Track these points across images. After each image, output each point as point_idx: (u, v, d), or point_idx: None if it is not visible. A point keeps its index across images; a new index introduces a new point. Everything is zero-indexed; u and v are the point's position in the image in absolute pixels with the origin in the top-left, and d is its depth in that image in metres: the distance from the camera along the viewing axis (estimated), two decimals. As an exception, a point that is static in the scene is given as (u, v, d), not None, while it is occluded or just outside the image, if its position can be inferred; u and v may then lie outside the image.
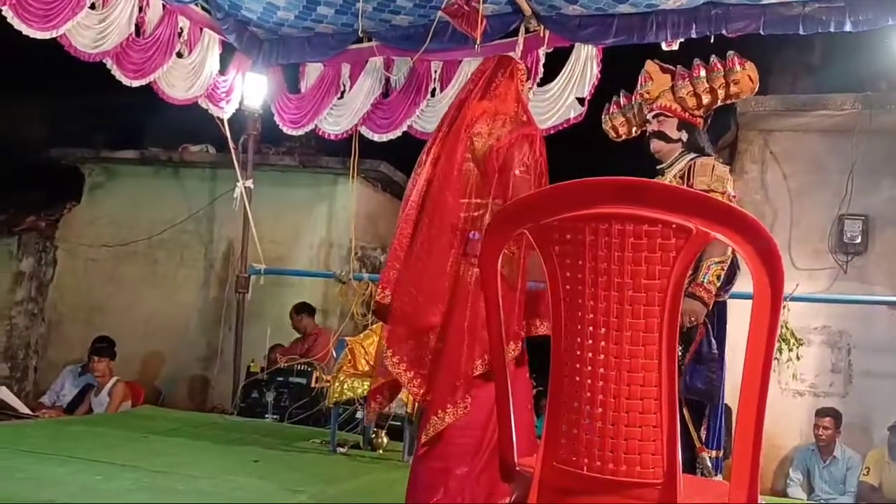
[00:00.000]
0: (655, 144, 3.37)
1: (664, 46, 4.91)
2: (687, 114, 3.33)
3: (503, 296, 2.43)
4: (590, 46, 5.16)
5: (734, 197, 3.22)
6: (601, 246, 1.50)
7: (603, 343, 1.51)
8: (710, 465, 3.11)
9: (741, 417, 1.52)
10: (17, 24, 4.32)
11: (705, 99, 3.32)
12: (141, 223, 8.12)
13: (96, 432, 4.66)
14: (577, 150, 6.06)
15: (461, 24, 5.09)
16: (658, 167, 3.39)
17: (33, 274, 8.40)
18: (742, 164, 6.53)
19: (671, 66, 3.46)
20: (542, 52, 5.29)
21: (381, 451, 4.49)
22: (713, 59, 3.36)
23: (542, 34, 5.27)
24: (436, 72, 5.68)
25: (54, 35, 4.56)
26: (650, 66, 3.52)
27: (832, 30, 4.67)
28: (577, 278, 1.54)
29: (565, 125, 5.24)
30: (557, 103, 5.30)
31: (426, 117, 5.67)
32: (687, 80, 3.35)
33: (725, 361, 3.21)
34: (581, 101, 5.20)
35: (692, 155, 3.30)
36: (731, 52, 3.38)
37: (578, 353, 1.54)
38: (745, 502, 1.53)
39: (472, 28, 5.05)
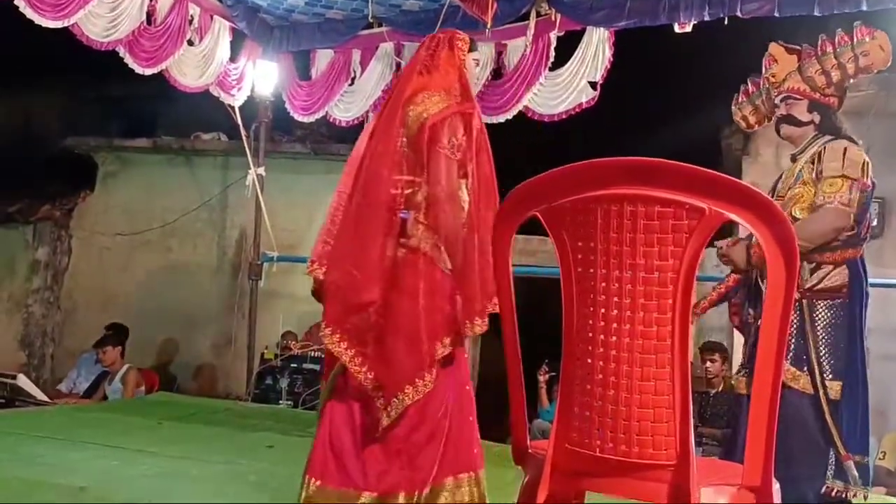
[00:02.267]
0: (785, 130, 3.18)
1: (677, 28, 4.86)
2: (817, 94, 3.10)
3: (432, 281, 2.41)
4: (602, 29, 5.12)
5: (868, 186, 2.98)
6: (613, 227, 1.49)
7: (615, 325, 1.50)
8: (856, 473, 2.84)
9: (755, 401, 1.52)
10: (30, 14, 4.34)
11: (835, 76, 3.08)
12: (154, 211, 8.17)
13: (112, 419, 4.71)
14: (591, 134, 6.03)
15: (471, 8, 5.05)
16: (791, 154, 3.21)
17: (49, 263, 8.47)
18: (756, 147, 6.48)
19: (797, 46, 3.24)
20: (553, 35, 5.24)
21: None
22: (839, 32, 3.13)
23: (553, 17, 5.22)
24: (447, 57, 5.65)
25: (66, 24, 4.57)
26: (774, 47, 3.30)
27: (848, 10, 4.60)
28: (589, 260, 1.53)
29: (577, 110, 5.21)
30: (569, 88, 5.26)
31: (437, 103, 5.64)
32: (814, 57, 3.12)
33: (866, 352, 3.02)
34: (593, 85, 5.16)
35: (826, 138, 3.07)
36: (857, 23, 3.14)
37: (590, 335, 1.54)
38: (758, 485, 1.52)
39: (483, 12, 5.01)
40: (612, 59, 5.11)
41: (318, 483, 2.42)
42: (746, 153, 6.56)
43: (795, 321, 2.92)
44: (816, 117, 3.10)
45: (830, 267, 2.95)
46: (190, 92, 5.68)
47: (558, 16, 5.21)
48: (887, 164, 6.07)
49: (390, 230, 2.45)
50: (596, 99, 5.15)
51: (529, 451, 1.73)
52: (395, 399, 2.38)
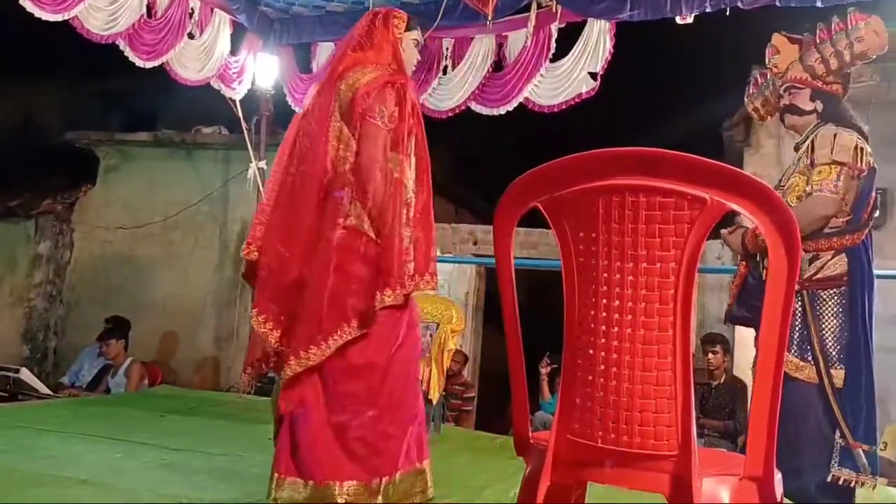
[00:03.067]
0: (789, 119, 3.18)
1: (678, 20, 4.84)
2: (819, 82, 3.10)
3: (348, 253, 2.34)
4: (603, 21, 5.10)
5: (863, 170, 2.96)
6: (614, 218, 1.49)
7: (617, 315, 1.50)
8: (865, 461, 2.80)
9: (757, 390, 1.52)
10: (30, 7, 4.33)
11: (833, 63, 3.07)
12: (155, 205, 8.17)
13: (115, 412, 4.72)
14: (592, 124, 6.03)
15: (472, 0, 5.04)
16: (795, 143, 3.21)
17: (51, 256, 8.49)
18: (757, 139, 6.47)
19: (799, 36, 3.23)
20: (554, 27, 5.23)
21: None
22: (834, 20, 3.12)
23: (554, 9, 5.21)
24: (447, 49, 5.64)
25: (66, 17, 4.57)
26: (776, 38, 3.28)
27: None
28: (591, 251, 1.53)
29: (577, 100, 5.20)
30: (570, 79, 5.24)
31: (438, 95, 5.64)
32: (813, 46, 3.12)
33: (872, 339, 2.94)
34: (594, 75, 5.15)
35: (822, 125, 3.07)
36: (851, 9, 3.13)
37: (592, 325, 1.54)
38: (760, 475, 1.52)
39: (484, 4, 5.00)
40: (612, 50, 5.09)
41: (282, 477, 2.39)
42: (748, 144, 6.55)
43: (798, 312, 2.92)
44: (819, 105, 3.10)
45: (829, 255, 2.94)
46: (190, 85, 5.68)
47: (559, 8, 5.20)
48: (889, 153, 6.06)
49: (324, 209, 2.41)
50: (596, 90, 5.14)
51: (531, 442, 1.73)
52: (290, 362, 2.35)
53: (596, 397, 1.53)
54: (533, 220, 1.72)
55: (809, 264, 2.94)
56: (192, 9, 5.43)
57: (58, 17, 4.53)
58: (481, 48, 5.49)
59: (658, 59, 7.61)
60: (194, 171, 8.28)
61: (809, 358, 2.89)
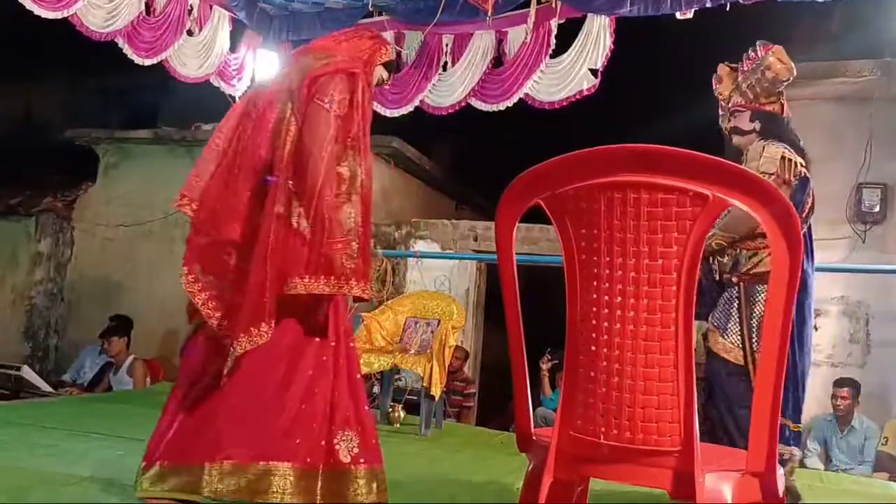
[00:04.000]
0: (735, 140, 3.41)
1: (678, 16, 4.83)
2: (755, 104, 3.36)
3: (281, 238, 2.24)
4: (603, 17, 5.09)
5: (791, 179, 3.17)
6: (616, 215, 1.49)
7: (619, 312, 1.51)
8: (786, 434, 3.06)
9: (759, 386, 1.52)
10: (29, 5, 4.33)
11: (759, 88, 3.35)
12: (156, 202, 8.16)
13: (117, 409, 4.73)
14: (592, 120, 6.02)
15: (472, -4, 5.04)
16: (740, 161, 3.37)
17: (51, 254, 8.49)
18: (758, 135, 6.45)
19: (736, 65, 3.49)
20: (554, 23, 5.22)
21: (397, 426, 4.52)
22: (749, 52, 3.41)
23: (553, 5, 5.20)
24: (447, 45, 5.63)
25: (65, 14, 4.57)
26: (721, 68, 3.57)
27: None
28: (593, 248, 1.53)
29: (578, 97, 5.19)
30: (569, 75, 5.24)
31: (438, 92, 5.63)
32: (741, 73, 3.42)
33: (809, 327, 3.22)
34: (594, 72, 5.14)
35: (760, 142, 3.31)
36: (758, 42, 3.40)
37: (594, 322, 1.54)
38: (763, 471, 1.53)
39: (483, 0, 4.99)
40: (612, 46, 5.09)
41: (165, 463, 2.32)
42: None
43: (735, 301, 3.22)
44: (758, 125, 3.35)
45: (766, 253, 3.13)
46: (190, 82, 5.67)
47: (559, 3, 5.19)
48: (890, 149, 6.07)
49: (260, 192, 2.35)
50: (596, 86, 5.13)
51: (534, 438, 1.74)
52: (235, 344, 2.26)
53: (598, 393, 1.54)
54: (533, 215, 1.72)
55: (748, 260, 3.19)
56: (190, 6, 5.42)
57: (57, 15, 4.53)
58: (481, 44, 5.48)
59: (658, 55, 7.60)
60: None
61: (739, 342, 3.17)
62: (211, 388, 2.31)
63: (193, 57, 5.55)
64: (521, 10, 5.29)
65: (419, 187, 9.31)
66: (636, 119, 7.99)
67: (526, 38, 5.27)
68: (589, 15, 5.15)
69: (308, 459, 2.29)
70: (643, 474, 1.54)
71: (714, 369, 3.22)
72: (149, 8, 5.14)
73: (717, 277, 3.30)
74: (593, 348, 1.54)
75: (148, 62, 5.25)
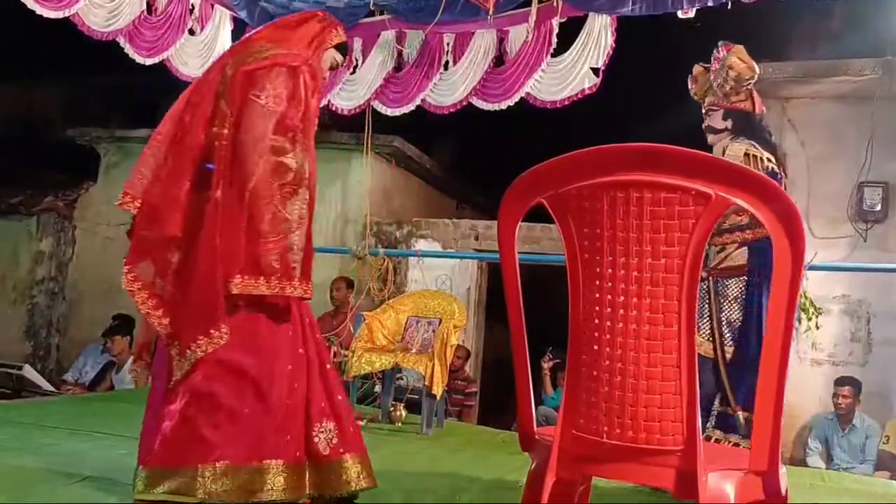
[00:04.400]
0: (709, 138, 3.49)
1: (680, 14, 4.82)
2: (727, 103, 3.44)
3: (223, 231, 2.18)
4: (604, 15, 5.09)
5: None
6: (619, 214, 1.49)
7: (622, 311, 1.51)
8: (743, 422, 3.18)
9: (762, 384, 1.52)
10: (31, 5, 4.33)
11: (727, 87, 3.44)
12: (157, 202, 8.16)
13: (119, 408, 4.72)
14: (594, 121, 6.02)
15: (473, -4, 5.03)
16: None
17: (53, 253, 8.50)
18: (759, 134, 6.45)
19: (709, 65, 3.58)
20: (555, 22, 5.22)
21: (399, 425, 4.52)
22: (714, 51, 3.52)
23: (555, 4, 5.19)
24: (448, 44, 5.63)
25: (67, 14, 4.57)
26: (695, 68, 3.66)
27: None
28: (595, 247, 1.53)
29: (580, 96, 5.19)
30: (571, 74, 5.23)
31: (439, 91, 5.63)
32: (711, 72, 3.52)
33: (763, 319, 3.24)
34: (596, 71, 5.14)
35: (731, 140, 3.41)
36: (720, 42, 3.51)
37: (597, 321, 1.54)
38: (765, 470, 1.53)
39: (485, -1, 4.99)
40: (614, 45, 5.08)
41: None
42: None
43: (704, 295, 3.31)
44: (730, 123, 3.44)
45: (733, 248, 3.27)
46: (192, 81, 5.67)
47: (560, 2, 5.18)
48: (891, 148, 6.07)
49: (197, 180, 2.30)
50: (598, 85, 5.13)
51: (536, 437, 1.74)
52: (188, 350, 2.23)
53: (601, 392, 1.54)
54: (534, 215, 1.72)
55: (715, 255, 3.31)
56: (192, 5, 5.42)
57: (58, 14, 4.53)
58: (482, 43, 5.48)
59: (660, 54, 7.59)
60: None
61: (709, 335, 3.28)
62: (190, 388, 2.28)
63: (195, 56, 5.55)
64: (522, 9, 5.28)
65: (420, 186, 9.31)
66: (638, 118, 7.98)
67: (527, 38, 5.27)
68: (590, 14, 5.14)
69: (297, 454, 2.29)
70: (646, 473, 1.54)
71: None
72: (150, 7, 5.14)
73: None
74: (596, 347, 1.54)
75: (149, 61, 5.26)
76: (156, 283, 2.30)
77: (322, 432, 2.33)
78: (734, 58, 3.41)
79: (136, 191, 2.38)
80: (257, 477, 2.23)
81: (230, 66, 2.39)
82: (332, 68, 2.63)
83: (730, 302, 3.29)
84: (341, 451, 2.34)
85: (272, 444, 2.26)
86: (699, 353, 3.06)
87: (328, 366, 2.46)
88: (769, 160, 3.30)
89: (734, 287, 3.29)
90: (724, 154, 3.30)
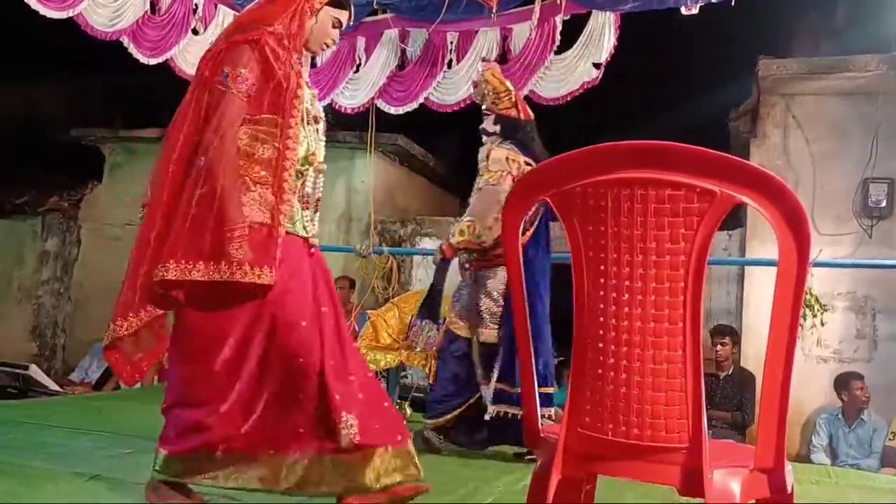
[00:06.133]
0: (483, 139, 3.85)
1: (683, 11, 4.82)
2: (496, 109, 3.82)
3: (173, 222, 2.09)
4: (607, 13, 5.08)
5: (513, 177, 3.61)
6: (624, 211, 1.49)
7: (626, 309, 1.50)
8: (489, 395, 3.60)
9: (767, 382, 1.51)
10: (34, 5, 4.34)
11: (488, 99, 3.84)
12: (162, 201, 8.17)
13: (124, 407, 4.74)
14: (598, 118, 6.01)
15: (477, -6, 5.04)
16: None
17: (58, 254, 8.52)
18: (764, 129, 6.44)
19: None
20: (558, 19, 5.22)
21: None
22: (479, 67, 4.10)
23: (558, 1, 5.19)
24: (452, 43, 5.63)
25: (70, 14, 4.58)
26: (476, 75, 4.13)
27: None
28: (600, 245, 1.53)
29: (581, 90, 5.19)
30: (574, 71, 5.24)
31: (443, 89, 5.64)
32: (475, 85, 3.99)
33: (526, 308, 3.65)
34: (597, 65, 5.13)
35: (498, 143, 3.77)
36: (481, 59, 4.24)
37: (601, 319, 1.54)
38: (771, 467, 1.53)
39: (488, -3, 4.99)
40: (617, 42, 5.08)
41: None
42: (754, 135, 6.53)
43: (468, 282, 3.78)
44: (499, 128, 3.80)
45: (491, 244, 3.64)
46: (195, 81, 5.68)
47: (564, -1, 5.18)
48: (895, 144, 6.05)
49: (187, 178, 2.18)
50: (601, 82, 5.13)
51: (541, 435, 1.74)
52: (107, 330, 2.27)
53: (606, 390, 1.54)
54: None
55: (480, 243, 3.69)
56: (195, 5, 5.43)
57: (62, 15, 4.54)
58: (486, 41, 5.48)
59: (663, 51, 7.58)
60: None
61: (467, 319, 3.72)
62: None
63: (198, 55, 5.54)
64: (525, 7, 5.28)
65: (424, 185, 9.31)
66: (642, 116, 7.97)
67: (530, 35, 5.27)
68: (593, 11, 5.14)
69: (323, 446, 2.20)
70: (651, 471, 1.53)
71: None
72: (154, 7, 5.15)
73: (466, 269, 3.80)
74: (601, 345, 1.54)
75: (153, 61, 5.27)
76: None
77: (345, 425, 2.19)
78: (488, 74, 3.86)
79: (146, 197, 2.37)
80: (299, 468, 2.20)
81: (208, 55, 2.33)
82: (336, 27, 2.41)
83: (488, 291, 3.71)
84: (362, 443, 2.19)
85: (308, 437, 2.21)
86: (459, 334, 3.72)
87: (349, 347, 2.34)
88: (527, 164, 3.67)
89: (491, 278, 3.72)
90: (488, 156, 3.70)
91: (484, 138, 3.85)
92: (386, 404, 2.35)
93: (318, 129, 2.40)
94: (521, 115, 3.87)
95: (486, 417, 3.60)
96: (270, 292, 2.18)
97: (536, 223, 3.71)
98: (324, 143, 2.45)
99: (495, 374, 3.60)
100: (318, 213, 2.44)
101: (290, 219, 2.27)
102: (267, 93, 2.20)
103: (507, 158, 3.70)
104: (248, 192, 2.15)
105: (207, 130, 2.16)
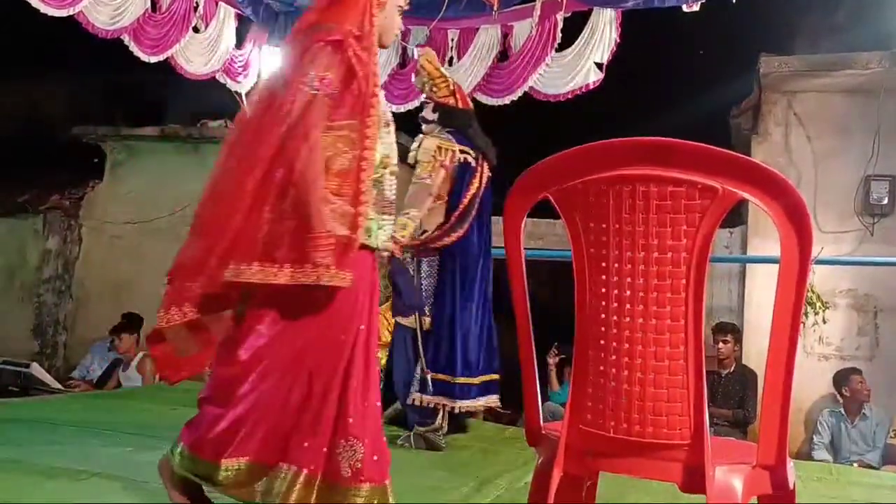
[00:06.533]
0: (423, 128, 3.95)
1: (685, 8, 4.81)
2: (435, 97, 3.91)
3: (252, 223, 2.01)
4: (609, 10, 5.07)
5: (448, 166, 3.76)
6: (625, 208, 1.49)
7: (628, 306, 1.50)
8: (430, 385, 3.72)
9: (769, 379, 1.51)
10: (35, 3, 4.34)
11: (428, 84, 3.93)
12: (163, 199, 8.18)
13: (126, 405, 4.75)
14: (599, 114, 6.01)
15: (477, -9, 5.03)
16: None
17: (60, 252, 8.52)
18: (765, 127, 6.43)
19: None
20: (559, 16, 5.21)
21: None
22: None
23: (560, -2, 5.19)
24: (452, 40, 5.62)
25: (71, 12, 4.57)
26: (416, 61, 4.22)
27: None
28: (602, 241, 1.53)
29: (584, 90, 5.18)
30: (575, 69, 5.23)
31: (444, 86, 5.62)
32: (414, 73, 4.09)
33: (457, 295, 3.85)
34: (600, 66, 5.13)
35: (429, 132, 3.87)
36: (416, 45, 4.16)
37: (603, 316, 1.54)
38: (773, 464, 1.53)
39: (489, -6, 4.98)
40: (618, 39, 5.07)
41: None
42: (755, 132, 6.52)
43: (413, 271, 3.82)
44: (437, 116, 3.89)
45: (431, 231, 3.79)
46: (196, 79, 5.68)
47: (564, -4, 5.17)
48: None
49: (265, 189, 2.10)
50: (602, 80, 5.12)
51: (543, 432, 1.74)
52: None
53: (608, 387, 1.54)
54: (539, 210, 1.71)
55: (419, 236, 3.81)
56: (196, 2, 5.42)
57: (63, 13, 4.53)
58: (486, 38, 5.47)
59: (664, 48, 7.57)
60: (201, 165, 8.28)
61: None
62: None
63: (199, 54, 5.56)
64: (526, 4, 5.27)
65: (425, 182, 9.30)
66: (642, 112, 7.96)
67: (531, 33, 5.26)
68: (595, 8, 5.13)
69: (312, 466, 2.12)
70: (653, 468, 1.54)
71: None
72: (154, 5, 5.15)
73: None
74: (602, 342, 1.54)
75: (154, 59, 5.26)
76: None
77: (345, 452, 2.12)
78: (423, 60, 3.92)
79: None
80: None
81: (285, 56, 2.24)
82: (400, 15, 2.37)
83: (426, 278, 3.81)
84: (361, 477, 2.10)
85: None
86: (405, 324, 3.80)
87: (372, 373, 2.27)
88: (464, 153, 3.78)
89: (429, 266, 3.82)
90: (420, 146, 3.81)
91: (424, 126, 3.92)
92: (384, 439, 2.28)
93: (389, 132, 2.34)
94: (460, 104, 3.93)
95: (411, 402, 3.74)
96: (330, 306, 2.15)
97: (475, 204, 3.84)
98: (395, 145, 2.39)
99: (423, 362, 3.72)
100: (393, 217, 2.39)
101: (367, 230, 2.20)
102: (348, 97, 2.13)
103: (438, 147, 3.78)
104: (328, 202, 2.09)
105: (295, 135, 2.07)
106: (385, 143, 2.30)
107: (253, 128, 2.20)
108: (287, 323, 2.16)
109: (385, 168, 2.31)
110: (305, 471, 2.10)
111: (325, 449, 2.11)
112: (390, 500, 2.17)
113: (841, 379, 5.57)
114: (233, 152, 2.28)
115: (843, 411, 5.55)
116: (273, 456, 2.13)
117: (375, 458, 2.14)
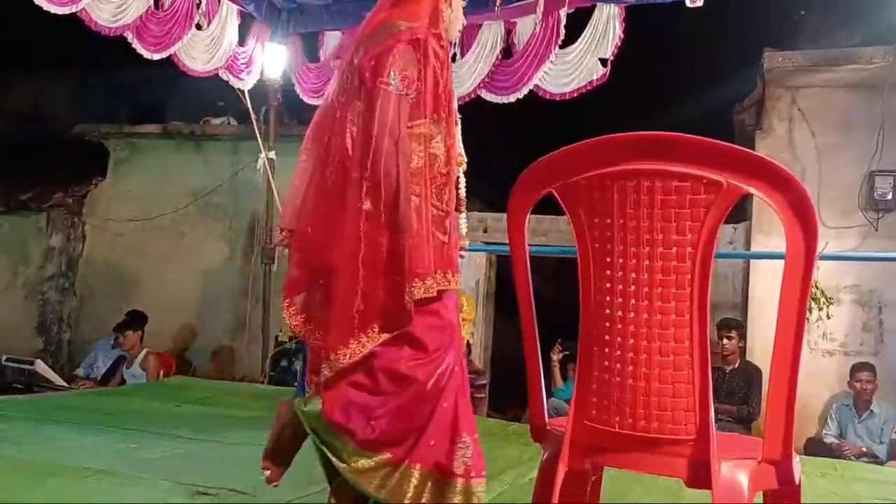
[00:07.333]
0: None
1: (689, 3, 4.79)
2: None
3: (371, 244, 1.97)
4: (612, 5, 5.06)
5: None
6: (630, 203, 1.48)
7: (633, 301, 1.50)
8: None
9: (774, 374, 1.51)
10: (38, 1, 4.33)
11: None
12: (166, 197, 8.20)
13: (131, 402, 4.75)
14: (603, 109, 6.00)
15: (481, -13, 5.01)
16: None
17: (63, 249, 8.54)
18: (769, 122, 6.42)
19: None
20: (563, 12, 5.19)
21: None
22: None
23: (563, -6, 5.17)
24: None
25: (74, 10, 4.57)
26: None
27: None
28: (606, 237, 1.52)
29: (588, 87, 5.16)
30: (579, 65, 5.21)
31: (447, 83, 5.61)
32: None
33: None
34: (604, 62, 5.11)
35: None
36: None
37: (608, 311, 1.53)
38: (779, 459, 1.52)
39: (492, -10, 4.97)
40: (622, 35, 5.05)
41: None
42: (759, 128, 6.51)
43: None
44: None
45: None
46: (199, 77, 5.67)
47: (568, -8, 5.15)
48: (902, 137, 6.02)
49: (345, 193, 2.08)
50: (607, 76, 5.10)
51: (548, 428, 1.73)
52: (328, 360, 2.08)
53: (613, 383, 1.53)
54: (543, 206, 1.71)
55: None
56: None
57: (66, 10, 4.53)
58: (490, 35, 5.45)
59: (668, 43, 7.56)
60: (204, 162, 8.30)
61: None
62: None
63: (202, 51, 5.55)
64: (529, 0, 5.25)
65: (428, 179, 9.29)
66: (647, 107, 7.95)
67: (535, 29, 5.24)
68: (598, 4, 5.11)
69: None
70: (658, 463, 1.53)
71: None
72: (157, 2, 5.14)
73: None
74: (607, 337, 1.54)
75: (156, 57, 5.25)
76: (302, 301, 2.19)
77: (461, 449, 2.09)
78: None
79: (288, 222, 2.26)
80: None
81: (356, 55, 2.16)
82: (464, 6, 2.33)
83: None
84: (472, 474, 2.08)
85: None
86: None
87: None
88: None
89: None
90: None
91: None
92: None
93: (459, 129, 2.32)
94: None
95: None
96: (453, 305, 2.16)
97: None
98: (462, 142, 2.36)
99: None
100: (465, 214, 2.35)
101: (444, 231, 2.15)
102: (427, 95, 2.10)
103: None
104: (413, 199, 2.06)
105: (383, 136, 2.03)
106: (458, 140, 2.29)
107: (330, 131, 2.16)
108: (446, 322, 2.14)
109: (459, 165, 2.28)
110: (428, 467, 2.08)
111: (446, 446, 2.10)
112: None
113: (852, 372, 5.58)
114: (307, 157, 2.24)
115: (852, 405, 5.55)
116: (406, 454, 2.10)
117: (480, 452, 2.15)
